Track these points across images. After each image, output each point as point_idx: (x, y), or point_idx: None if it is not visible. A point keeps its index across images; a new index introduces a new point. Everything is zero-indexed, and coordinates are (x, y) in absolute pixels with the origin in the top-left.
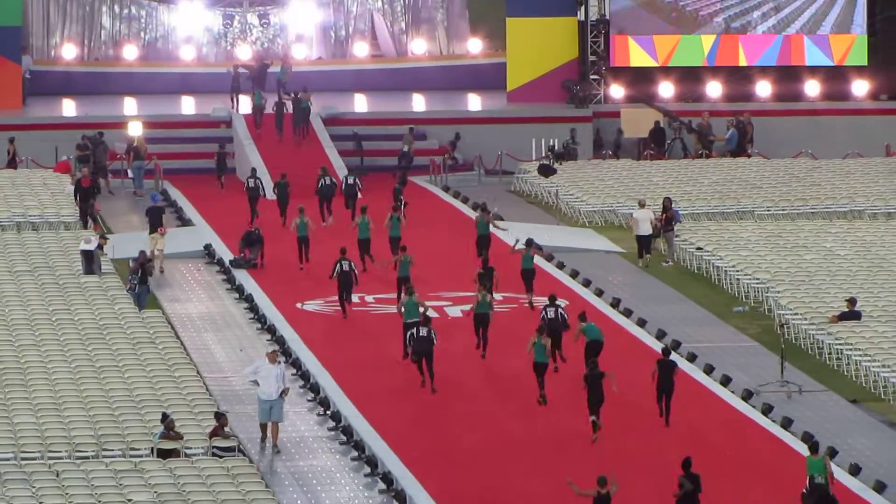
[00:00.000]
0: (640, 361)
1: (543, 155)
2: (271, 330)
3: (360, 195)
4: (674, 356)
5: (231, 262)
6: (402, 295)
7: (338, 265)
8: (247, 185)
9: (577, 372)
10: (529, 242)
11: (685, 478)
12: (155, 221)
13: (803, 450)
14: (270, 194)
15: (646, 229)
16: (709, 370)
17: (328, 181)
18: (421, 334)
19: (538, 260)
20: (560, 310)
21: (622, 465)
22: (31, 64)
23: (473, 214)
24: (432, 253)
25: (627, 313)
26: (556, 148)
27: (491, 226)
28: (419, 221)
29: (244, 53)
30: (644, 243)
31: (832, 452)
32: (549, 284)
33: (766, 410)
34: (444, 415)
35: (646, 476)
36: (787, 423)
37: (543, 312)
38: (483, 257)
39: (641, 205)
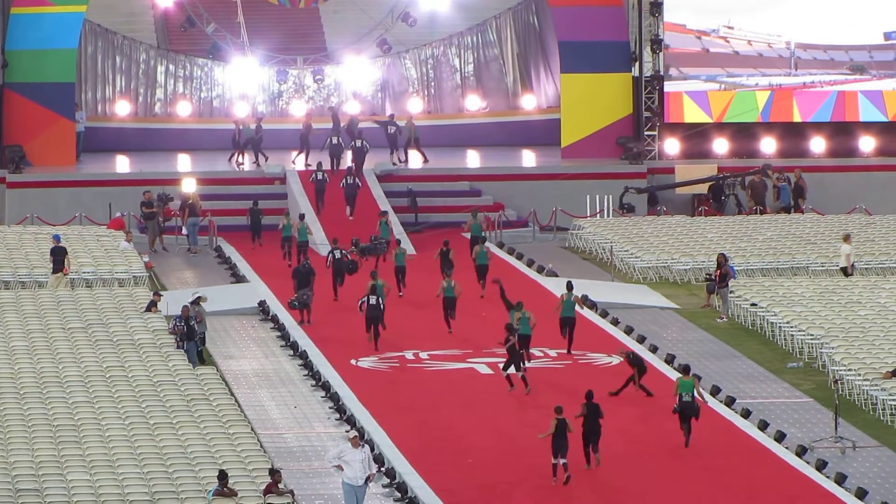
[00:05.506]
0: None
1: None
2: (326, 387)
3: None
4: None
5: (289, 302)
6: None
7: (330, 254)
8: (313, 178)
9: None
10: (570, 286)
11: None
12: (58, 261)
13: None
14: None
15: (843, 262)
16: (763, 426)
17: (320, 176)
18: (371, 303)
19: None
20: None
21: None
22: (84, 120)
23: (526, 269)
24: (484, 309)
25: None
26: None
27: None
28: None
29: (298, 110)
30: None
31: None
32: (604, 340)
33: (821, 466)
34: (498, 473)
35: None
36: (840, 479)
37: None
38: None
39: (845, 239)
